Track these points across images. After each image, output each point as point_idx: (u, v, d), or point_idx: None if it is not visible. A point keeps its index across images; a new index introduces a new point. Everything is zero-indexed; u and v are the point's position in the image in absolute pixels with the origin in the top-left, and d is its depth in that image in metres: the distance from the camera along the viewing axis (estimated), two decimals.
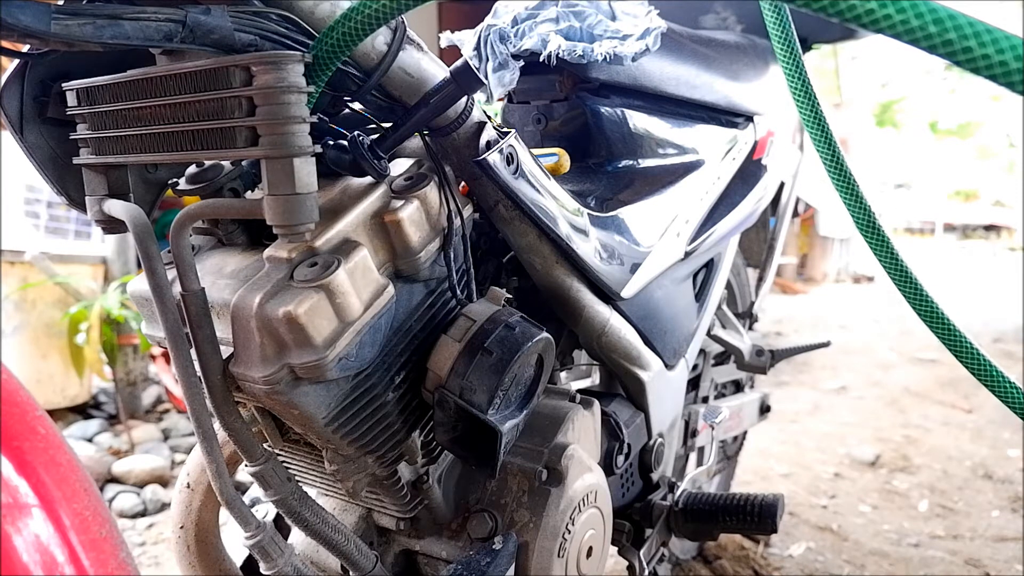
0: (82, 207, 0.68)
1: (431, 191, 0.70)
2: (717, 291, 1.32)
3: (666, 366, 1.12)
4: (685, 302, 1.21)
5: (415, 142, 0.78)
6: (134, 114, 0.59)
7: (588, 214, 0.91)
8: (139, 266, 1.18)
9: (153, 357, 2.80)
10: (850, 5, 0.37)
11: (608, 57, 0.90)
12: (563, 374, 1.03)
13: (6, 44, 0.55)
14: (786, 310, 5.32)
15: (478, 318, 0.72)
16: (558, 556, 0.81)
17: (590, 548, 0.86)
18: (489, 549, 0.78)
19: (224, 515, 0.79)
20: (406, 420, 0.74)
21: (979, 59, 0.36)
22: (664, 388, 1.13)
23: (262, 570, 0.69)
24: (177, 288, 0.61)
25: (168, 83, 0.57)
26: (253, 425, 0.72)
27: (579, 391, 0.94)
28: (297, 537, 0.89)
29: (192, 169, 0.68)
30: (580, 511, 0.84)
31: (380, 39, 0.64)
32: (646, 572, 1.09)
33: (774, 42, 0.79)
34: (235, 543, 0.92)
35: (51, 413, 1.63)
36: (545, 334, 0.76)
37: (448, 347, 0.71)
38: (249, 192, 0.70)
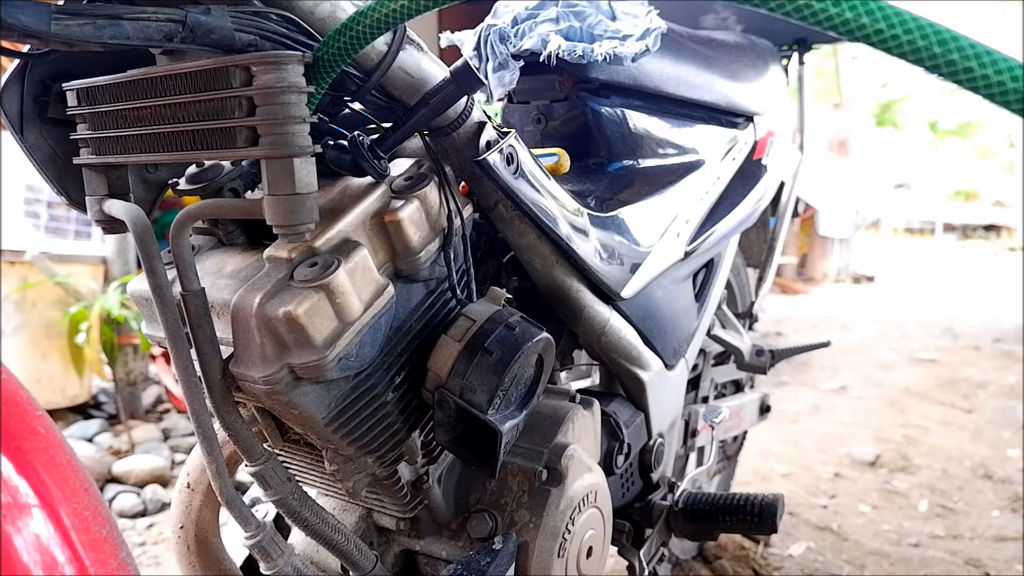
0: (82, 207, 0.68)
1: (431, 191, 0.70)
2: (717, 291, 1.32)
3: (666, 366, 1.12)
4: (685, 302, 1.21)
5: (415, 142, 0.78)
6: (134, 114, 0.59)
7: (588, 214, 0.91)
8: (139, 266, 1.18)
9: (153, 357, 2.80)
10: (860, 25, 0.39)
11: (608, 57, 0.90)
12: (563, 374, 1.03)
13: (6, 44, 0.55)
14: (786, 310, 5.32)
15: (478, 318, 0.72)
16: (558, 556, 0.81)
17: (590, 548, 0.86)
18: (489, 549, 0.78)
19: (224, 515, 0.79)
20: (406, 420, 0.74)
21: (978, 79, 0.38)
22: (664, 388, 1.13)
23: (262, 570, 0.69)
24: (177, 288, 0.61)
25: (168, 83, 0.57)
26: (253, 425, 0.72)
27: (579, 391, 0.94)
28: (297, 537, 0.89)
29: (192, 169, 0.69)
30: (580, 511, 0.84)
31: (380, 39, 0.64)
32: (646, 572, 1.09)
33: None
34: (235, 543, 0.92)
35: (51, 413, 1.63)
36: (545, 334, 0.76)
37: (448, 347, 0.71)
38: (249, 192, 0.70)
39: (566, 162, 0.96)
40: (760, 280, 1.66)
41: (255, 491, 0.88)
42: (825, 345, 1.68)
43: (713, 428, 1.26)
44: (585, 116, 1.04)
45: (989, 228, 13.12)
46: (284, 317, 0.59)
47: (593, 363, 1.08)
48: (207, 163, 0.69)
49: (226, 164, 0.69)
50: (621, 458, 1.04)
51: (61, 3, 0.52)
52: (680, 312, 1.19)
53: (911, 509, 2.08)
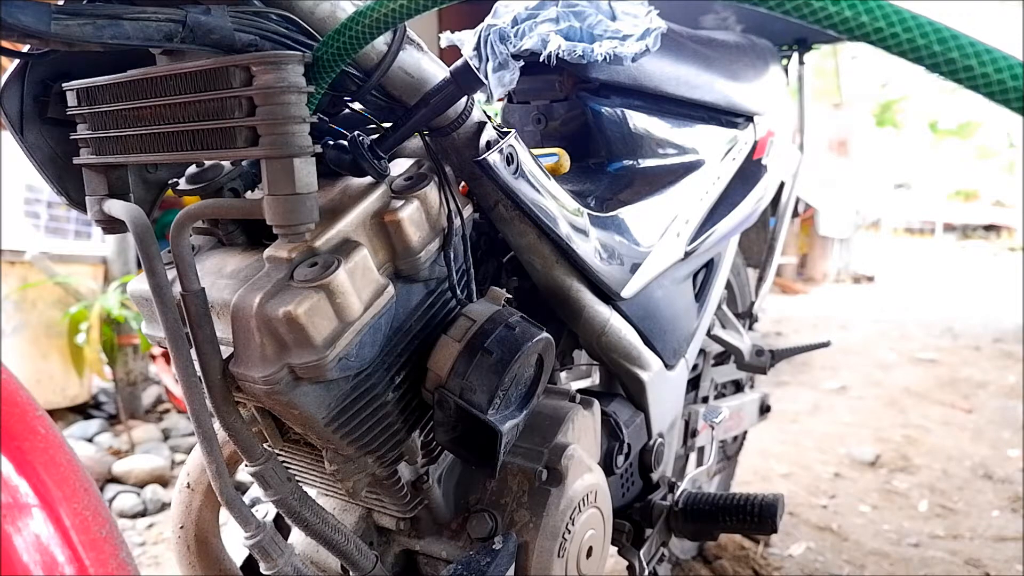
0: (82, 207, 0.68)
1: (431, 191, 0.70)
2: (717, 291, 1.32)
3: (666, 366, 1.12)
4: (685, 302, 1.21)
5: (415, 142, 0.78)
6: (134, 114, 0.59)
7: (588, 214, 0.91)
8: (139, 266, 1.18)
9: (153, 357, 2.80)
10: (859, 23, 0.38)
11: (608, 57, 0.90)
12: (563, 374, 1.03)
13: (6, 44, 0.55)
14: (786, 310, 5.32)
15: (478, 318, 0.72)
16: (558, 556, 0.81)
17: (590, 548, 0.86)
18: (489, 549, 0.78)
19: (224, 515, 0.79)
20: (406, 420, 0.74)
21: (979, 78, 0.37)
22: (664, 388, 1.13)
23: (262, 570, 0.69)
24: (177, 288, 0.61)
25: (168, 83, 0.57)
26: (253, 425, 0.72)
27: (579, 391, 0.94)
28: (297, 537, 0.89)
29: (192, 169, 0.69)
30: (580, 511, 0.84)
31: (380, 39, 0.64)
32: (646, 572, 1.09)
33: None
34: (235, 543, 0.92)
35: (51, 413, 1.63)
36: (545, 334, 0.76)
37: (448, 347, 0.71)
38: (249, 192, 0.70)
39: (566, 162, 0.96)
40: (760, 280, 1.66)
41: (255, 491, 0.88)
42: (825, 345, 1.68)
43: (713, 428, 1.26)
44: (585, 116, 1.04)
45: (989, 228, 13.11)
46: (284, 317, 0.59)
47: (593, 363, 1.08)
48: (207, 163, 0.69)
49: (226, 164, 0.69)
50: (621, 458, 1.04)
51: (61, 3, 0.52)
52: (680, 312, 1.19)
53: (911, 509, 2.08)
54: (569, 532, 0.82)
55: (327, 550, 0.73)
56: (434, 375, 0.71)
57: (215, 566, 0.90)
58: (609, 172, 1.06)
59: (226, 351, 0.63)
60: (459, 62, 0.67)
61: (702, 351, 1.42)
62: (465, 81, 0.67)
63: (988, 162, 14.27)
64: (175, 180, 0.70)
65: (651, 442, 1.12)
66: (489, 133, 0.75)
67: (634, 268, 1.00)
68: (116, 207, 0.62)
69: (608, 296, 0.96)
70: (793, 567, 1.74)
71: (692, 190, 1.15)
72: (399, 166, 0.74)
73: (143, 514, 2.02)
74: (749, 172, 1.32)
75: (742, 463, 1.98)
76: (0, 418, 0.49)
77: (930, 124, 14.34)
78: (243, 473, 0.74)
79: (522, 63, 0.93)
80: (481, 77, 0.68)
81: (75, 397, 2.57)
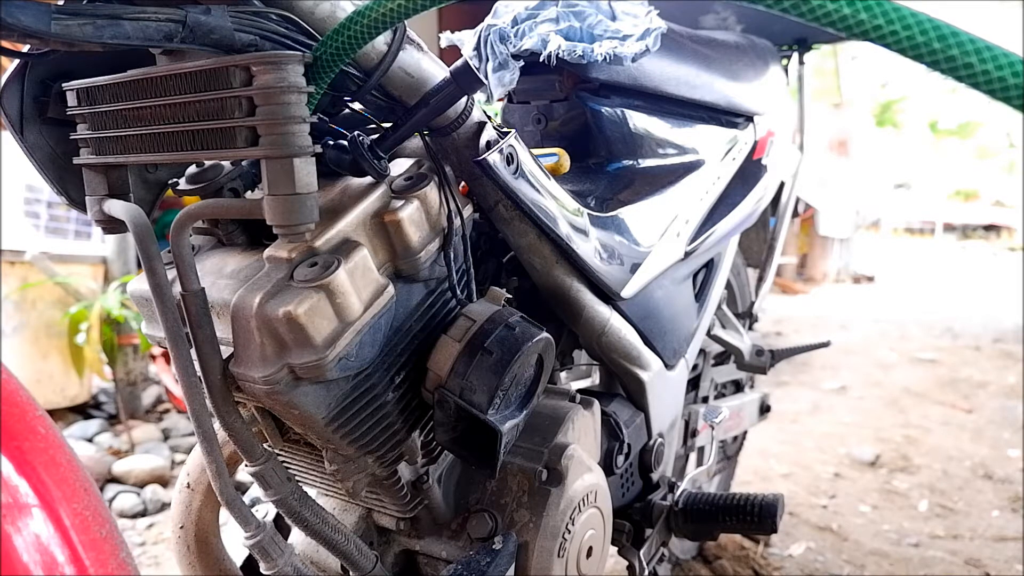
0: (82, 207, 0.68)
1: (431, 191, 0.70)
2: (717, 291, 1.32)
3: (666, 366, 1.12)
4: (685, 302, 1.21)
5: (415, 142, 0.78)
6: (134, 114, 0.59)
7: (588, 214, 0.91)
8: (139, 266, 1.18)
9: (153, 357, 2.80)
10: (858, 21, 0.38)
11: (608, 57, 0.90)
12: (563, 374, 1.03)
13: (6, 44, 0.55)
14: (786, 310, 5.32)
15: (478, 318, 0.72)
16: (558, 556, 0.81)
17: (590, 548, 0.86)
18: (489, 549, 0.78)
19: (224, 515, 0.80)
20: (406, 420, 0.74)
21: (979, 75, 0.37)
22: (664, 388, 1.13)
23: (262, 570, 0.69)
24: (177, 288, 0.61)
25: (168, 83, 0.57)
26: (253, 425, 0.72)
27: (579, 391, 0.94)
28: (297, 537, 0.89)
29: (192, 169, 0.69)
30: (580, 511, 0.84)
31: (380, 39, 0.64)
32: (646, 572, 1.09)
33: None
34: (235, 543, 0.92)
35: (51, 413, 1.63)
36: (545, 334, 0.76)
37: (448, 347, 0.71)
38: (249, 192, 0.70)
39: (566, 162, 0.96)
40: (760, 280, 1.66)
41: (255, 491, 0.88)
42: (825, 345, 1.68)
43: (713, 428, 1.26)
44: (585, 116, 1.04)
45: (989, 228, 13.12)
46: (284, 317, 0.59)
47: (593, 363, 1.08)
48: (207, 163, 0.69)
49: (226, 164, 0.69)
50: (621, 458, 1.04)
51: (61, 3, 0.52)
52: (680, 312, 1.19)
53: (911, 509, 2.08)
54: (569, 532, 0.82)
55: (327, 550, 0.73)
56: (434, 375, 0.71)
57: (215, 566, 0.90)
58: (609, 172, 1.06)
59: (226, 351, 0.63)
60: (459, 62, 0.67)
61: (702, 351, 1.42)
62: (465, 81, 0.67)
63: (988, 162, 14.27)
64: (175, 180, 0.70)
65: (651, 442, 1.12)
66: (489, 133, 0.75)
67: (634, 268, 1.00)
68: (116, 207, 0.62)
69: (608, 296, 0.96)
70: (793, 567, 1.74)
71: (692, 190, 1.15)
72: (399, 166, 0.74)
73: (143, 514, 2.02)
74: (749, 172, 1.32)
75: (742, 463, 1.98)
76: (0, 418, 0.49)
77: (930, 124, 14.35)
78: (243, 473, 0.74)
79: (522, 63, 0.93)
80: (481, 77, 0.68)
81: (75, 397, 2.57)
